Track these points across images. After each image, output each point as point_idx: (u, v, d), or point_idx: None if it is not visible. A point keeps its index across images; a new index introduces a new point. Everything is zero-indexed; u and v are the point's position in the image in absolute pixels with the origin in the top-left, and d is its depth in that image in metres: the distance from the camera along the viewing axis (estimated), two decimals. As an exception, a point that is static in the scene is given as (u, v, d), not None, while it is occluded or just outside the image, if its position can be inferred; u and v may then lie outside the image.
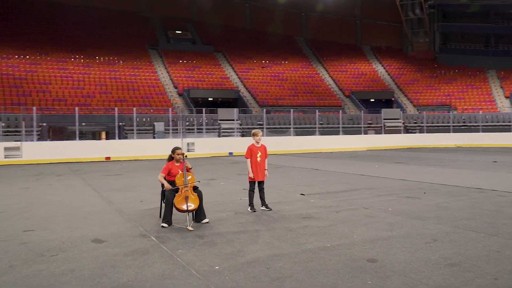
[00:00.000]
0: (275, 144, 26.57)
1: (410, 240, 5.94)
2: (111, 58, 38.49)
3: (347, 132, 32.23)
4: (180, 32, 46.85)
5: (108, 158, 21.85)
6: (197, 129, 27.51)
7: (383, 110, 36.70)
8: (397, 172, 14.78)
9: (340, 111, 34.60)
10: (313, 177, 13.39)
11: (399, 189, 10.64)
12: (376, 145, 30.78)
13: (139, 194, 10.33)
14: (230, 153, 24.92)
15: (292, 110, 30.49)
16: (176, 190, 6.94)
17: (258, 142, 8.31)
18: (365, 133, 33.84)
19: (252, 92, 38.95)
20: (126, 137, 26.41)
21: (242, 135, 28.85)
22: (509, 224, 6.82)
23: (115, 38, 42.26)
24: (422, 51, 49.77)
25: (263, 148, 8.34)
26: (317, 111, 31.72)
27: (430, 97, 42.50)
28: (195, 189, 7.09)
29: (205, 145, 24.33)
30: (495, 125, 35.19)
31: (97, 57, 38.04)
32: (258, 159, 8.20)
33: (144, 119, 28.42)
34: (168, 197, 6.82)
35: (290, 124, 29.55)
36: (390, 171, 14.98)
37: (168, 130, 25.75)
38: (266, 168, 8.27)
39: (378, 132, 34.53)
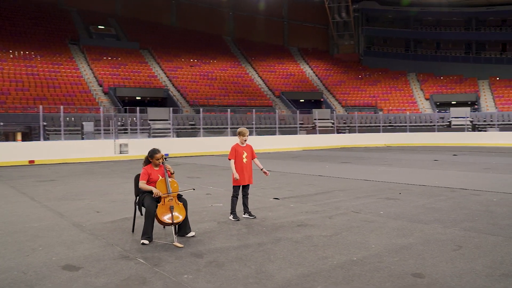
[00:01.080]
0: (212, 145, 25.58)
1: (435, 248, 5.36)
2: (27, 52, 35.13)
3: (282, 132, 32.02)
4: (103, 27, 44.07)
5: (32, 161, 19.52)
6: (131, 129, 25.71)
7: (314, 111, 37.09)
8: (352, 172, 14.49)
9: (277, 111, 34.38)
10: (273, 179, 12.64)
11: (371, 190, 10.21)
12: (310, 145, 30.82)
13: (90, 204, 8.92)
14: (166, 155, 23.43)
15: (229, 110, 29.62)
16: (158, 200, 5.83)
17: (243, 142, 7.40)
18: (297, 133, 33.86)
19: (181, 92, 37.56)
20: (48, 138, 23.95)
21: (178, 136, 27.48)
22: (515, 224, 6.52)
23: (31, 32, 38.70)
24: (348, 53, 51.24)
25: (249, 148, 7.44)
26: (254, 110, 31.19)
27: (357, 98, 43.75)
28: (179, 197, 6.02)
29: (139, 147, 22.69)
30: (419, 125, 36.91)
31: (11, 51, 34.48)
32: (244, 160, 7.28)
33: (68, 119, 26.04)
34: (149, 207, 5.69)
35: (227, 124, 28.65)
36: (344, 171, 14.66)
37: (99, 130, 23.71)
38: (262, 168, 7.36)
39: (310, 132, 34.71)
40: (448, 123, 36.92)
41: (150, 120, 29.09)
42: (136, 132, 25.26)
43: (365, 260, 4.87)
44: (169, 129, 28.58)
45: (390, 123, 37.66)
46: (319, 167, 16.22)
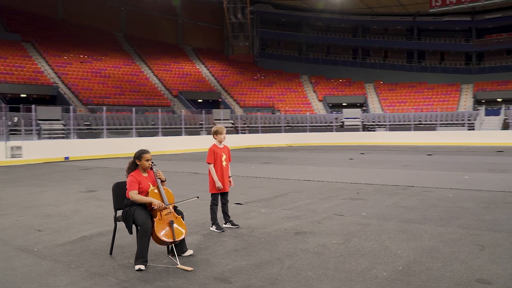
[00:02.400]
0: (117, 146, 23.65)
1: (462, 249, 5.13)
2: None
3: (186, 133, 30.90)
4: (-25, 15, 38.59)
5: None
6: (25, 130, 22.66)
7: (214, 111, 36.57)
8: (287, 172, 14.18)
9: (183, 110, 33.09)
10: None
11: (325, 191, 9.94)
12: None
13: (21, 220, 7.29)
14: (66, 158, 21.08)
15: (134, 109, 27.67)
16: (151, 214, 4.79)
17: (221, 142, 6.55)
18: (199, 134, 33.01)
19: (73, 89, 34.38)
20: None
21: (79, 137, 24.93)
22: (499, 219, 6.61)
23: None
24: (243, 55, 51.48)
25: (227, 150, 6.64)
26: (159, 110, 29.66)
27: (254, 98, 44.11)
28: (174, 209, 5.02)
29: (35, 150, 20.05)
30: (318, 126, 38.34)
31: None
32: (224, 163, 6.45)
33: None
34: (145, 224, 4.62)
35: (131, 125, 26.74)
36: (278, 172, 14.29)
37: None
38: (230, 175, 6.57)
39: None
40: (341, 124, 38.88)
41: (39, 120, 26.00)
42: (33, 133, 22.32)
43: (412, 269, 4.43)
44: (62, 129, 25.86)
45: (288, 123, 38.55)
46: (244, 168, 15.64)
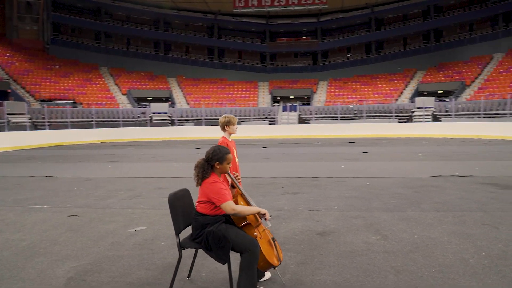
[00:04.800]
0: None
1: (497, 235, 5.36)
2: None
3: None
4: None
5: None
6: None
7: (6, 103, 31.10)
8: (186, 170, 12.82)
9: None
10: (107, 186, 9.78)
11: (291, 184, 9.31)
12: (21, 144, 25.53)
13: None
14: None
15: None
16: (247, 232, 3.58)
17: (230, 135, 5.42)
18: None
19: None
20: None
21: None
22: (507, 209, 7.23)
23: None
24: (31, 40, 44.96)
25: (234, 144, 5.50)
26: None
27: (51, 90, 39.09)
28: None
29: None
30: (129, 121, 36.22)
31: None
32: (237, 160, 5.33)
33: None
34: (256, 247, 3.43)
35: None
36: (156, 170, 12.81)
37: None
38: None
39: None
40: (149, 118, 37.66)
41: None
42: None
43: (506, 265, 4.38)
44: None
45: (99, 118, 35.40)
46: (104, 169, 13.57)
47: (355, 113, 37.83)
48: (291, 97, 45.12)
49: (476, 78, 39.14)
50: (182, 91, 46.20)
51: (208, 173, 3.58)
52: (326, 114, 38.63)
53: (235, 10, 44.79)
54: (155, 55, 49.83)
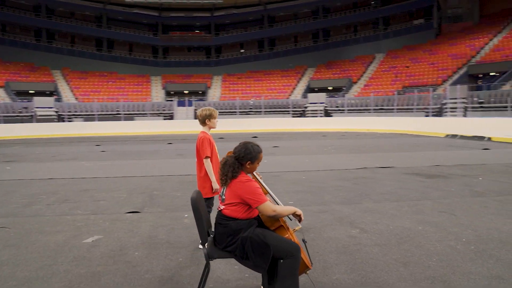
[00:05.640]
0: None
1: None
2: None
3: None
4: None
5: None
6: None
7: None
8: (93, 170, 11.62)
9: None
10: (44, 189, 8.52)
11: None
12: None
13: None
14: None
15: None
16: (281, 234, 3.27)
17: (211, 129, 4.98)
18: None
19: None
20: None
21: None
22: (448, 196, 7.57)
23: None
24: None
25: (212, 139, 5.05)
26: None
27: None
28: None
29: None
30: (7, 116, 32.66)
31: None
32: (218, 156, 4.94)
33: None
34: (298, 251, 3.10)
35: None
36: (69, 170, 11.54)
37: None
38: None
39: None
40: (33, 114, 34.39)
41: None
42: None
43: None
44: None
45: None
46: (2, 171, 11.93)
47: (250, 108, 38.39)
48: (186, 91, 44.38)
49: (362, 76, 42.13)
50: (68, 84, 42.83)
51: (238, 172, 3.17)
52: (224, 109, 38.67)
53: (126, 0, 42.65)
54: (36, 44, 45.50)
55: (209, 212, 4.83)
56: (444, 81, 33.74)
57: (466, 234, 5.05)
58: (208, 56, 51.07)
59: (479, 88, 28.86)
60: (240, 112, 37.34)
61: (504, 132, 19.12)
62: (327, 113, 36.54)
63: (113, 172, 10.85)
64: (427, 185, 8.32)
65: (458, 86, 28.96)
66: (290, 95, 42.48)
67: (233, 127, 32.46)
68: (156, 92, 44.54)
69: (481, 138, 19.83)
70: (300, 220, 3.16)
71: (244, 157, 3.18)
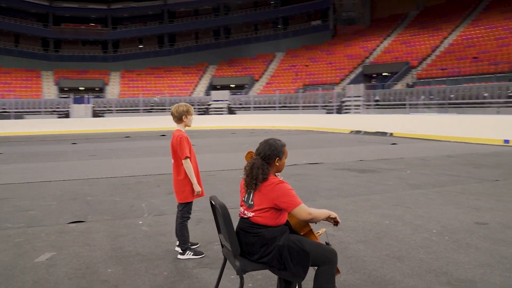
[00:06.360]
0: None
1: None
2: None
3: None
4: None
5: None
6: None
7: None
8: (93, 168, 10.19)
9: None
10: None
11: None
12: None
13: None
14: None
15: None
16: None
17: (186, 127, 4.59)
18: None
19: None
20: None
21: None
22: (392, 190, 7.73)
23: None
24: None
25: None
26: None
27: None
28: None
29: None
30: None
31: None
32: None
33: None
34: (335, 256, 2.89)
35: None
36: (84, 168, 10.06)
37: None
38: None
39: None
40: None
41: None
42: None
43: None
44: None
45: None
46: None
47: (152, 106, 37.17)
48: (81, 88, 41.69)
49: (263, 74, 42.95)
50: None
51: (268, 173, 2.87)
52: (125, 106, 36.99)
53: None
54: None
55: (188, 219, 4.44)
56: (342, 80, 35.68)
57: (433, 226, 5.25)
58: (105, 51, 48.43)
59: (374, 87, 30.94)
60: (143, 109, 35.96)
61: (403, 127, 20.69)
62: (231, 111, 36.66)
63: (24, 177, 9.68)
64: (365, 180, 8.61)
65: (356, 85, 30.81)
66: (192, 92, 41.92)
67: (138, 125, 31.13)
68: (48, 88, 41.19)
69: (384, 133, 21.25)
70: (336, 224, 2.96)
71: (271, 154, 2.90)
